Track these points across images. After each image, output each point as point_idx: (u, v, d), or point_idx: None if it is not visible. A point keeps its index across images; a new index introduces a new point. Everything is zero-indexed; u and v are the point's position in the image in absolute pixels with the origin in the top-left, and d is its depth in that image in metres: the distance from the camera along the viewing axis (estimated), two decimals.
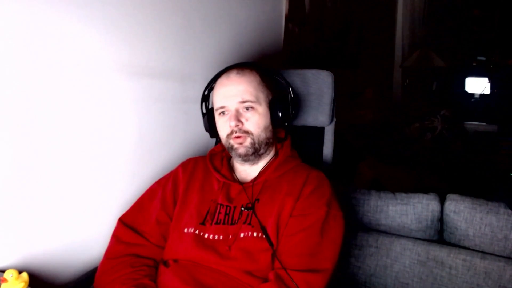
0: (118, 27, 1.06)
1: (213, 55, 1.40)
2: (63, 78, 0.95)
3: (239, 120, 0.98)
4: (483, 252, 1.16)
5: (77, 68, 0.98)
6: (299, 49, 2.31)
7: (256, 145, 1.00)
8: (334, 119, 1.25)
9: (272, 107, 1.02)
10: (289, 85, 1.08)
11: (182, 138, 1.34)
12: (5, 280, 0.82)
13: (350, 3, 3.15)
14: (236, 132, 0.99)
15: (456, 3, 4.03)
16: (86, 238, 1.07)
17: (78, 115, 1.00)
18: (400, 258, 1.24)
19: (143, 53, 1.15)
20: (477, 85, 4.06)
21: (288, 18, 2.00)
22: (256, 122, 1.00)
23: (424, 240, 1.25)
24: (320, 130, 1.25)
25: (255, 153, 1.01)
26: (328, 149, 1.25)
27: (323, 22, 2.74)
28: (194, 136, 1.34)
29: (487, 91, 4.00)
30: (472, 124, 3.42)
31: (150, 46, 1.17)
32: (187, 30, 1.30)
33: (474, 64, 4.12)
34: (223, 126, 1.02)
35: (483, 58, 4.11)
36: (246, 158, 1.02)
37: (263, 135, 1.01)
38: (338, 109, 1.26)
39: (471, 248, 1.18)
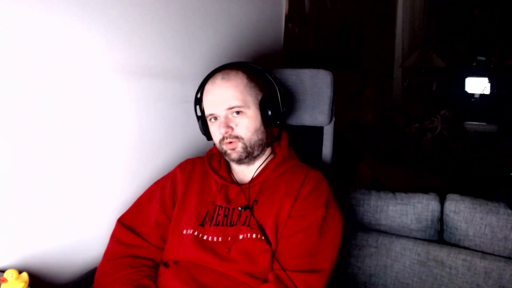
0: (118, 27, 1.06)
1: (213, 55, 1.40)
2: (63, 78, 0.95)
3: (228, 126, 0.98)
4: (483, 252, 1.16)
5: (77, 68, 0.98)
6: (299, 49, 2.31)
7: (249, 148, 1.00)
8: (334, 119, 1.25)
9: (262, 107, 1.01)
10: (278, 82, 1.06)
11: (182, 138, 1.34)
12: (5, 280, 0.82)
13: (350, 3, 3.15)
14: (227, 138, 0.99)
15: (456, 3, 4.03)
16: (86, 238, 1.07)
17: (78, 115, 1.00)
18: (400, 258, 1.24)
19: (143, 53, 1.15)
20: (477, 85, 4.06)
21: (288, 18, 2.00)
22: (246, 126, 0.99)
23: (424, 240, 1.25)
24: (319, 130, 1.25)
25: (248, 156, 1.01)
26: (327, 148, 1.24)
27: (323, 22, 2.74)
28: (194, 136, 1.34)
29: (487, 91, 4.00)
30: (472, 124, 3.42)
31: (150, 46, 1.17)
32: (187, 30, 1.30)
33: (474, 64, 4.13)
34: (215, 132, 1.02)
35: (483, 58, 4.12)
36: (240, 161, 1.02)
37: (254, 138, 1.01)
38: (338, 109, 1.26)
39: (471, 248, 1.18)
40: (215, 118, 1.01)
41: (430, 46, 3.75)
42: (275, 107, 1.02)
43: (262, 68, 1.07)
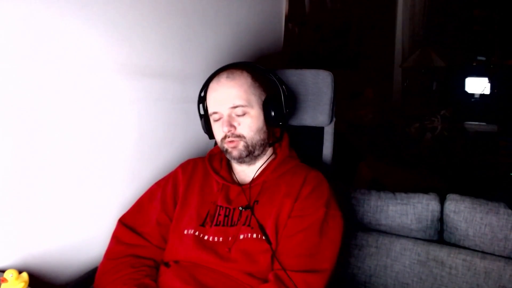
0: (118, 27, 1.06)
1: (213, 55, 1.40)
2: (63, 78, 0.95)
3: (231, 125, 0.98)
4: (483, 252, 1.16)
5: (77, 68, 0.98)
6: (299, 49, 2.31)
7: (250, 147, 1.00)
8: (334, 119, 1.25)
9: (265, 108, 1.02)
10: (282, 83, 1.06)
11: (182, 138, 1.34)
12: (5, 280, 0.82)
13: (350, 3, 3.15)
14: (229, 137, 0.99)
15: (456, 3, 4.03)
16: (86, 238, 1.07)
17: (78, 115, 1.00)
18: (400, 258, 1.24)
19: (143, 53, 1.16)
20: (477, 85, 4.06)
21: (288, 18, 2.00)
22: (249, 125, 0.99)
23: (424, 240, 1.25)
24: (319, 130, 1.25)
25: (249, 155, 1.01)
26: (327, 149, 1.25)
27: (323, 22, 2.74)
28: (194, 136, 1.34)
29: (487, 91, 4.00)
30: (472, 124, 3.42)
31: (150, 46, 1.17)
32: (187, 30, 1.30)
33: (474, 64, 4.13)
34: (218, 131, 1.02)
35: (483, 58, 4.11)
36: (240, 160, 1.02)
37: (256, 137, 1.01)
38: (338, 109, 1.26)
39: (471, 248, 1.18)
40: (218, 117, 1.01)
41: (430, 46, 3.75)
42: (278, 108, 1.02)
43: (266, 69, 1.08)
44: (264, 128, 1.03)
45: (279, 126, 1.06)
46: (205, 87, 1.07)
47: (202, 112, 1.11)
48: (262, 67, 1.08)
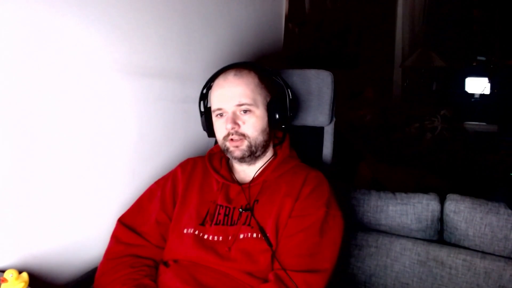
0: (118, 27, 1.06)
1: (213, 55, 1.40)
2: (63, 78, 0.95)
3: (235, 123, 0.98)
4: (483, 252, 1.16)
5: (77, 68, 0.98)
6: (299, 49, 2.32)
7: (253, 148, 1.00)
8: (334, 119, 1.25)
9: (270, 109, 1.02)
10: (287, 86, 1.06)
11: (182, 137, 1.34)
12: (5, 280, 0.82)
13: (350, 3, 3.15)
14: (232, 135, 0.99)
15: (456, 3, 4.03)
16: (86, 238, 1.07)
17: (78, 115, 1.00)
18: (400, 258, 1.24)
19: (143, 53, 1.15)
20: (477, 85, 4.06)
21: (288, 18, 2.00)
22: (253, 125, 0.99)
23: (424, 240, 1.25)
24: (319, 130, 1.25)
25: (251, 156, 1.01)
26: (327, 149, 1.25)
27: (323, 22, 2.74)
28: (194, 136, 1.34)
29: (487, 91, 4.00)
30: (472, 124, 3.42)
31: (150, 46, 1.17)
32: (187, 30, 1.30)
33: (474, 64, 4.13)
34: (220, 128, 1.01)
35: (483, 58, 4.12)
36: (242, 160, 1.02)
37: (260, 138, 1.01)
38: (338, 109, 1.26)
39: (471, 248, 1.18)
40: (221, 114, 1.00)
41: (430, 46, 3.75)
42: (283, 111, 1.03)
43: (274, 71, 1.07)
44: (267, 130, 1.03)
45: (282, 129, 1.06)
46: (209, 83, 1.07)
47: (202, 109, 1.11)
48: (269, 69, 1.08)
